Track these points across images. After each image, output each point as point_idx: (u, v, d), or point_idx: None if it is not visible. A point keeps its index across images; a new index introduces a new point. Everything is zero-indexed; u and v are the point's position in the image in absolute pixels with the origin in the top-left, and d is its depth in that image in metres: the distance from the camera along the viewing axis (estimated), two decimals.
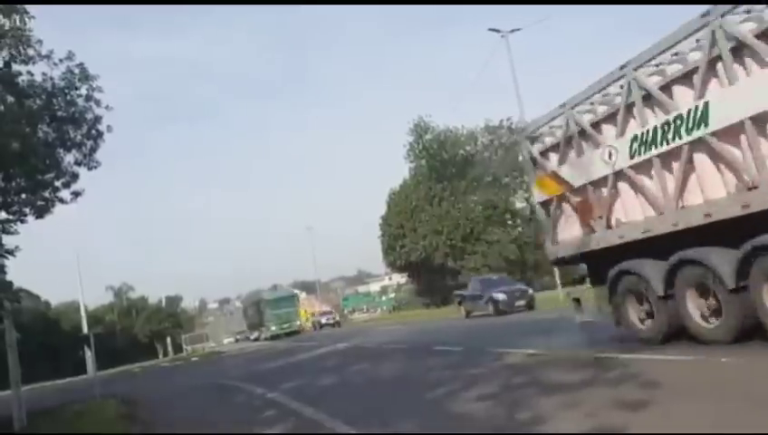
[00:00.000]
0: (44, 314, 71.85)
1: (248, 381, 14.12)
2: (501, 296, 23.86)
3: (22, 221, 14.04)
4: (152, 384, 20.71)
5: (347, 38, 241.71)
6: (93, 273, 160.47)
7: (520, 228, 49.77)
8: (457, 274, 46.52)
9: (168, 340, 62.72)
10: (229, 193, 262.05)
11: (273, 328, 46.43)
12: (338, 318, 54.46)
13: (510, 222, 49.90)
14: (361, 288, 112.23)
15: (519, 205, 50.67)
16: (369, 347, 18.69)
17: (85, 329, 17.62)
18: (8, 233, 13.80)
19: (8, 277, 12.65)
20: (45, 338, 62.85)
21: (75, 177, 15.13)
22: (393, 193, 52.54)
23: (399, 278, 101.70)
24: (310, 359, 18.61)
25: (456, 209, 46.67)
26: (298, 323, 50.00)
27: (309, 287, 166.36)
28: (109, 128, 14.75)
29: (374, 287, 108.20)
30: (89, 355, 18.08)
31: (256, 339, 50.93)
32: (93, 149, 14.84)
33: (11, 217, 13.87)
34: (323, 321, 52.27)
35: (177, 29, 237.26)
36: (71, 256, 42.04)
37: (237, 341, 65.66)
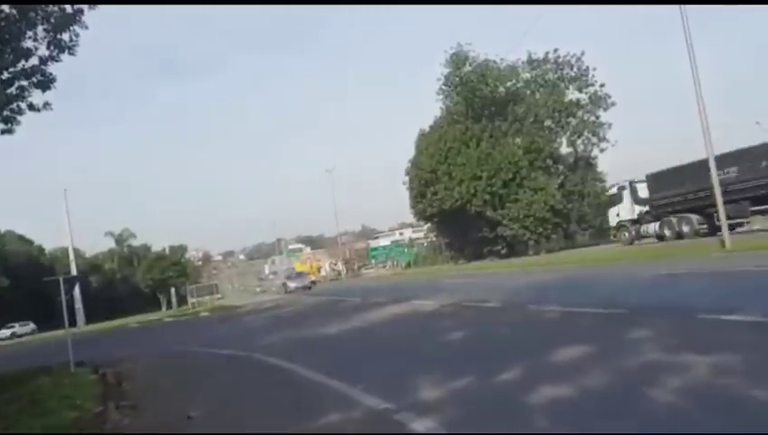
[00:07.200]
0: (37, 258, 67.40)
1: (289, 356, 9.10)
2: None
3: None
4: (150, 349, 15.88)
5: None
6: (91, 220, 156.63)
7: (563, 175, 44.72)
8: (497, 224, 41.56)
9: (173, 290, 58.30)
10: (236, 144, 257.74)
11: None
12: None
13: (553, 169, 44.78)
14: (371, 243, 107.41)
15: (564, 150, 45.53)
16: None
17: (74, 272, 13.59)
18: None
19: None
20: (37, 284, 58.38)
21: (45, 63, 11.34)
22: (423, 133, 47.07)
23: (411, 233, 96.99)
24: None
25: (496, 152, 41.35)
26: None
27: (313, 243, 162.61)
28: None
29: (383, 242, 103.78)
30: (77, 306, 13.53)
31: None
32: (66, 23, 11.03)
33: None
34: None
35: None
36: (60, 197, 37.36)
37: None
